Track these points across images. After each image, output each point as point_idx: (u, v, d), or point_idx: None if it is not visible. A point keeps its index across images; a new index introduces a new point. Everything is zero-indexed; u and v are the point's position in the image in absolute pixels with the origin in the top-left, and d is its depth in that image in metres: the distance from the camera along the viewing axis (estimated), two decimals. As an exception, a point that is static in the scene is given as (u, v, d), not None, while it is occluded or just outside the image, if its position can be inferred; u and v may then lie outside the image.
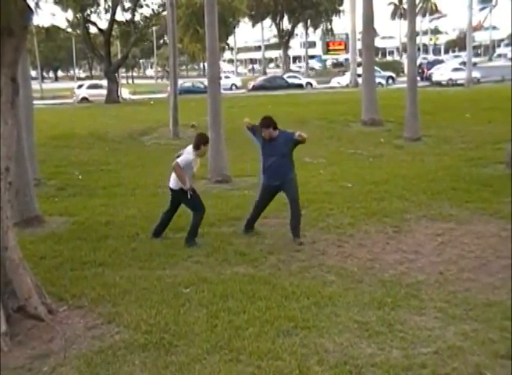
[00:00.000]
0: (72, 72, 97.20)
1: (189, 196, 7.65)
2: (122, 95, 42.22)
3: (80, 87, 44.00)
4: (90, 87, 42.67)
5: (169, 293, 5.98)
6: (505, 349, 4.59)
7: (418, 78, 41.97)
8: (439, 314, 5.30)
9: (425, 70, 46.08)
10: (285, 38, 68.86)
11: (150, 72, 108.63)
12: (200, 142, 7.70)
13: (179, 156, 7.69)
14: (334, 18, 65.19)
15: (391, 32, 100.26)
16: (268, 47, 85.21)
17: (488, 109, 21.48)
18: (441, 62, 52.51)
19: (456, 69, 42.56)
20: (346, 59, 62.23)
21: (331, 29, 67.21)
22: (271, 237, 7.97)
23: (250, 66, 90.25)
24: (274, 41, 78.21)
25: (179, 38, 44.81)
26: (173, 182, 7.76)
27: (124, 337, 5.04)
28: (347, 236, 7.93)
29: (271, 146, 7.64)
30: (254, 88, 45.12)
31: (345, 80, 45.73)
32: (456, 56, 70.76)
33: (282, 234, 8.08)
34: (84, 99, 40.25)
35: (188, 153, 7.66)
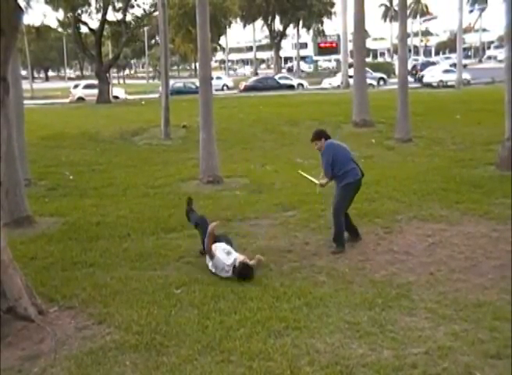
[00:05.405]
0: (63, 72, 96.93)
1: None
2: (119, 95, 42.29)
3: (76, 86, 44.29)
4: (87, 86, 42.79)
5: (160, 293, 5.97)
6: (495, 349, 4.62)
7: (412, 79, 42.27)
8: (429, 314, 5.33)
9: (419, 72, 46.35)
10: (276, 39, 68.91)
11: (141, 71, 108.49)
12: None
13: None
14: (325, 19, 65.38)
15: (382, 33, 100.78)
16: (260, 48, 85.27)
17: (478, 111, 21.59)
18: (433, 63, 52.76)
19: (446, 71, 42.76)
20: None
21: (322, 30, 67.37)
22: (262, 238, 7.98)
23: (290, 65, 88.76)
24: (266, 41, 78.29)
25: (170, 38, 44.84)
26: None
27: (115, 338, 5.03)
28: (338, 237, 7.95)
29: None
30: (246, 89, 45.11)
31: (336, 81, 45.80)
32: (446, 58, 71.12)
33: (273, 235, 8.09)
34: (80, 99, 40.41)
35: None
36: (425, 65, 49.87)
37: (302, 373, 4.37)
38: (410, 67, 48.25)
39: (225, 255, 6.53)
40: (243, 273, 6.28)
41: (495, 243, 7.43)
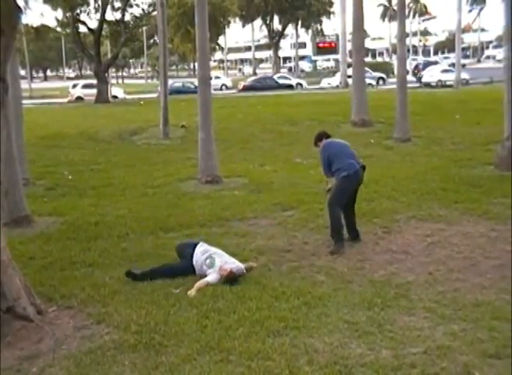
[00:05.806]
0: (61, 71, 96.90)
1: None
2: (118, 95, 42.33)
3: (74, 86, 44.36)
4: (85, 86, 42.87)
5: (159, 293, 5.96)
6: (493, 349, 4.62)
7: (414, 79, 42.22)
8: (428, 314, 5.33)
9: (420, 71, 46.52)
10: (275, 39, 68.93)
11: (137, 71, 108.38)
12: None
13: None
14: (324, 19, 65.49)
15: (381, 33, 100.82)
16: (258, 47, 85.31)
17: (477, 111, 21.60)
18: (435, 63, 52.87)
19: (445, 71, 42.84)
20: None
21: (321, 30, 67.41)
22: (261, 238, 7.98)
23: (290, 64, 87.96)
24: (264, 41, 78.33)
25: (169, 38, 44.80)
26: None
27: (114, 338, 5.02)
28: (337, 236, 7.94)
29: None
30: (245, 89, 45.10)
31: (335, 80, 45.82)
32: (445, 58, 71.21)
33: (272, 235, 8.09)
34: (79, 99, 40.45)
35: None
36: (427, 64, 50.01)
37: (301, 373, 4.37)
38: (412, 67, 48.49)
39: (207, 267, 6.45)
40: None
41: (494, 243, 7.43)
